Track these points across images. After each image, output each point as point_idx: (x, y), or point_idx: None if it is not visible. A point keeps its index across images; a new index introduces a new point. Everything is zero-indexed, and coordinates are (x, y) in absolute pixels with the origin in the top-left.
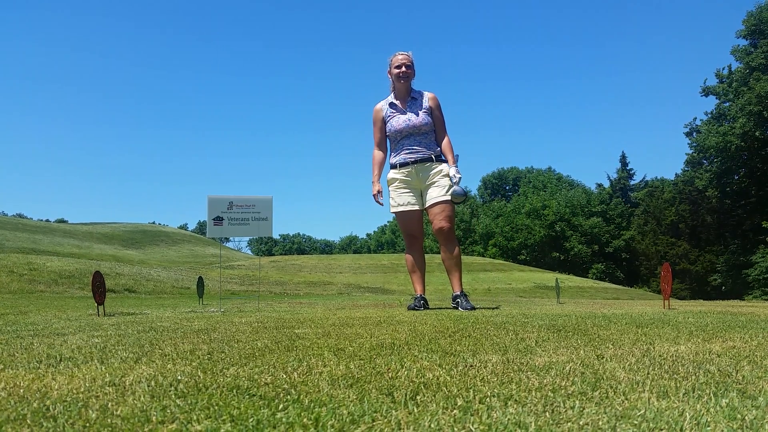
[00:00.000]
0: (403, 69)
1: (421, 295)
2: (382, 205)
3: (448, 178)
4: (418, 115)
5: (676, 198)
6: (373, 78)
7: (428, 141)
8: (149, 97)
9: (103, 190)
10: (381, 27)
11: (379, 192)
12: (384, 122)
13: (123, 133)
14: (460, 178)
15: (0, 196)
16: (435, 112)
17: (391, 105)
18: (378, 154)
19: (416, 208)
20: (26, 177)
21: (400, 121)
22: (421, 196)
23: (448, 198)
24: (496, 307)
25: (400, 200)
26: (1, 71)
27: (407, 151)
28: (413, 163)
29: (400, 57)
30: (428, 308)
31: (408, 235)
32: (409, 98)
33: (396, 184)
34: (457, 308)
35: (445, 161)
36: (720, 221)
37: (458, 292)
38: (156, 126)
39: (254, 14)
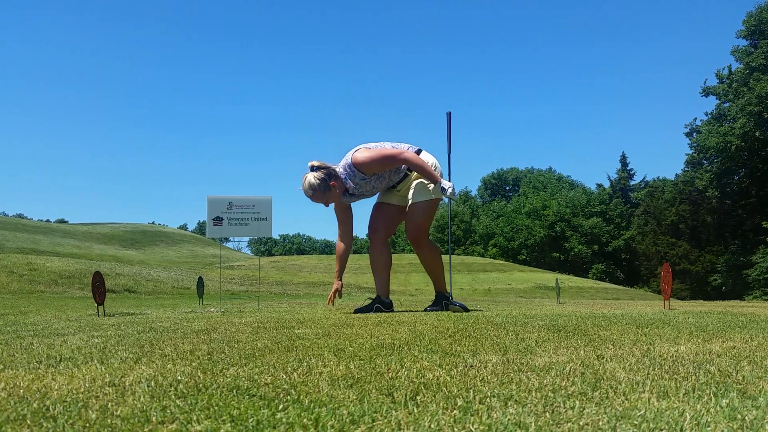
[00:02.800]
0: (320, 204)
1: (378, 296)
2: (332, 305)
3: (426, 182)
4: (373, 188)
5: (676, 198)
6: (373, 78)
7: (394, 173)
8: (149, 98)
9: (103, 190)
10: (381, 27)
11: (337, 291)
12: (347, 206)
13: (123, 134)
14: (452, 186)
15: (0, 197)
16: (374, 171)
17: (344, 196)
18: (340, 246)
19: (384, 201)
20: (26, 177)
21: (362, 195)
22: (404, 197)
23: (420, 199)
24: (495, 308)
25: (378, 196)
26: (1, 71)
27: (385, 190)
28: (394, 186)
29: (308, 194)
30: (383, 311)
31: (369, 227)
32: (347, 194)
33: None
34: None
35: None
36: (720, 221)
37: (441, 293)
38: (156, 126)
39: (254, 15)
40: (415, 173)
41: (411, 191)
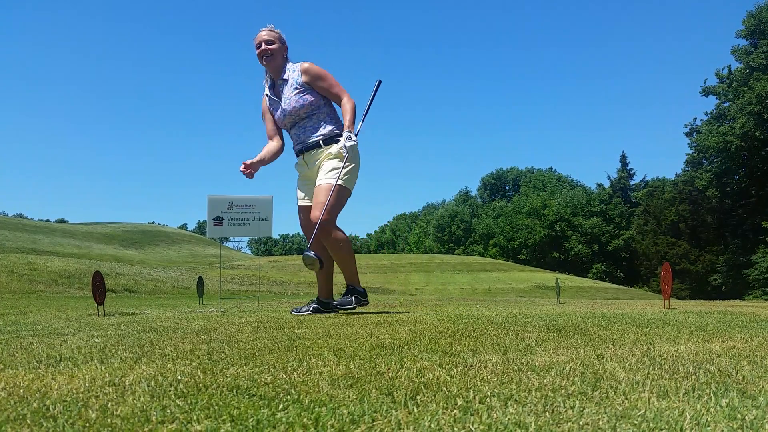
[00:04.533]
0: (263, 47)
1: (318, 298)
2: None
3: (333, 160)
4: (290, 99)
5: (676, 198)
6: (373, 76)
7: (313, 124)
8: (149, 98)
9: (103, 190)
10: (382, 27)
11: (247, 167)
12: (271, 113)
13: (123, 134)
14: (352, 145)
15: (0, 196)
16: (315, 84)
17: (270, 90)
18: (269, 144)
19: (307, 202)
20: (26, 177)
21: (277, 111)
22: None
23: (328, 181)
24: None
25: (298, 194)
26: (1, 71)
27: (294, 141)
28: (299, 153)
29: (261, 34)
30: (322, 312)
31: (304, 232)
32: (280, 81)
33: (298, 177)
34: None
35: (338, 141)
36: (720, 221)
37: (348, 285)
38: (156, 126)
39: (253, 16)
40: (326, 150)
41: (321, 173)
